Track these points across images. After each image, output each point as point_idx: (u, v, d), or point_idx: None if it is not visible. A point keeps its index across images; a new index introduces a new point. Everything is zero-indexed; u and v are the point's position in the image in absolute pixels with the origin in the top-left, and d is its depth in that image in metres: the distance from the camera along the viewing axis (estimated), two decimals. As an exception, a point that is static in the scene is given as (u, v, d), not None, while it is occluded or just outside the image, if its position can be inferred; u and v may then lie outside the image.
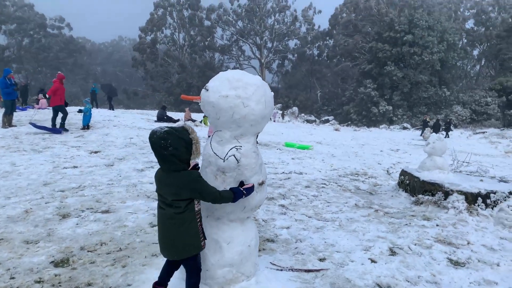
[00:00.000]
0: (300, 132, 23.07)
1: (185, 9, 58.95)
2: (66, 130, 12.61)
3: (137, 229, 4.26)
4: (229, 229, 2.88)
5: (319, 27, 57.98)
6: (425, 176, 5.64)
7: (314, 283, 3.14)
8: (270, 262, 3.43)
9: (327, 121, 39.84)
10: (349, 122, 38.23)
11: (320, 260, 3.58)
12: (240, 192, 2.60)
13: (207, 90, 2.80)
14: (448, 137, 23.97)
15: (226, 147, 2.75)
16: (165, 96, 54.84)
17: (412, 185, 5.80)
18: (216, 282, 2.84)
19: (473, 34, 47.35)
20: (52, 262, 3.39)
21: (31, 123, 12.56)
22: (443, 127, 26.79)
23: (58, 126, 12.60)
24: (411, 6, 37.92)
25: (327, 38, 56.78)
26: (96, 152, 9.48)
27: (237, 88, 2.72)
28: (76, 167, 7.65)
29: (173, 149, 2.34)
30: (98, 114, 18.51)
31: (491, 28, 45.47)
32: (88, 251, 3.65)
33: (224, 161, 2.69)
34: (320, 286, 3.10)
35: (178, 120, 20.52)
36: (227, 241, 2.84)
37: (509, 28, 38.66)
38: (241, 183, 2.73)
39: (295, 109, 41.65)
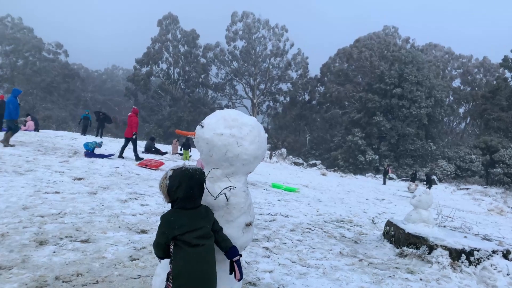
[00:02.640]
0: (287, 174, 23.12)
1: (182, 45, 60.35)
2: (122, 158, 13.98)
3: (116, 261, 4.13)
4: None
5: (308, 72, 59.78)
6: (410, 228, 5.65)
7: (294, 332, 3.05)
8: (251, 307, 3.33)
9: (314, 165, 40.08)
10: (336, 168, 38.53)
11: (302, 307, 3.50)
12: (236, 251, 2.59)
13: (203, 126, 2.84)
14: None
15: (217, 185, 2.75)
16: (154, 128, 54.91)
17: (397, 236, 5.80)
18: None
19: (460, 93, 49.25)
20: (23, 291, 3.25)
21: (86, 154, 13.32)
22: (425, 181, 27.39)
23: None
24: (401, 61, 39.47)
25: (318, 84, 58.37)
26: (80, 179, 9.30)
27: (232, 127, 2.77)
28: (58, 192, 7.47)
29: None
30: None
31: (476, 88, 47.38)
32: (63, 281, 3.51)
33: (215, 198, 2.67)
34: (300, 335, 3.00)
35: (166, 153, 20.46)
36: (209, 280, 2.77)
37: (494, 90, 40.33)
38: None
39: (283, 150, 41.96)
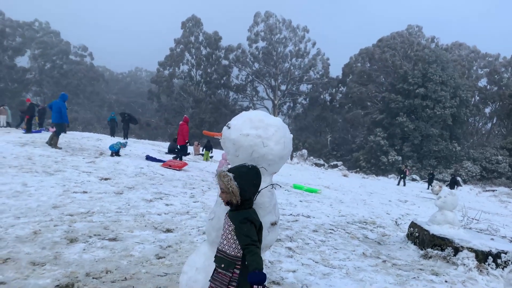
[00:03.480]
0: (308, 175, 23.04)
1: (204, 47, 60.94)
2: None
3: (143, 259, 4.25)
4: (239, 267, 2.88)
5: (329, 73, 59.41)
6: (435, 230, 5.57)
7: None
8: (275, 305, 3.38)
9: (335, 166, 39.77)
10: (358, 169, 38.11)
11: (326, 307, 3.52)
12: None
13: (229, 127, 2.91)
14: None
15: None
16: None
17: (421, 238, 5.73)
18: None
19: (486, 92, 47.89)
20: (57, 286, 3.39)
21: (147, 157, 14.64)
22: (448, 183, 26.69)
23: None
24: (425, 61, 38.73)
25: (340, 85, 57.90)
26: (106, 179, 9.56)
27: (258, 128, 2.84)
28: (86, 192, 7.70)
29: None
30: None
31: (504, 87, 46.00)
32: (93, 278, 3.64)
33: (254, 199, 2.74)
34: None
35: (188, 154, 20.72)
36: (236, 279, 2.83)
37: (521, 88, 39.13)
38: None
39: (304, 151, 41.81)
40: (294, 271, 4.34)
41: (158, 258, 4.33)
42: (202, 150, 22.92)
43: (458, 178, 28.02)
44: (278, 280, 4.05)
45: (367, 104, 47.70)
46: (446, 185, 26.62)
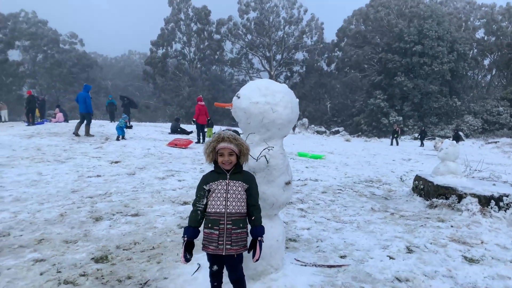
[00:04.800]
0: (311, 143, 23.28)
1: (194, 23, 60.01)
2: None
3: (166, 230, 4.53)
4: (259, 225, 3.13)
5: (324, 38, 58.64)
6: (439, 180, 5.83)
7: (336, 277, 3.36)
8: (295, 259, 3.66)
9: (337, 132, 39.95)
10: (360, 133, 38.31)
11: (341, 257, 3.81)
12: (184, 232, 2.61)
13: (239, 97, 3.10)
14: None
15: (257, 149, 3.02)
16: (176, 109, 55.54)
17: (426, 189, 5.99)
18: (248, 274, 3.08)
19: (484, 44, 47.30)
20: (92, 258, 3.67)
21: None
22: (451, 139, 26.75)
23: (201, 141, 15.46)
24: (420, 17, 38.17)
25: (336, 50, 57.25)
26: (116, 162, 9.81)
27: (266, 95, 3.02)
28: (100, 176, 7.96)
29: None
30: (114, 127, 18.93)
31: (501, 37, 45.42)
32: (123, 250, 3.92)
33: (257, 161, 2.95)
34: (342, 279, 3.31)
35: (191, 132, 20.90)
36: (258, 236, 3.09)
37: (519, 37, 38.69)
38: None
39: (305, 120, 41.89)
40: (308, 229, 4.63)
41: (180, 228, 4.61)
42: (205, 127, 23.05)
43: (460, 133, 28.17)
44: (295, 237, 4.34)
45: (364, 67, 47.34)
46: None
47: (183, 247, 2.55)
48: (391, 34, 42.05)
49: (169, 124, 25.18)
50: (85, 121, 14.42)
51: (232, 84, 64.23)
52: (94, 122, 23.63)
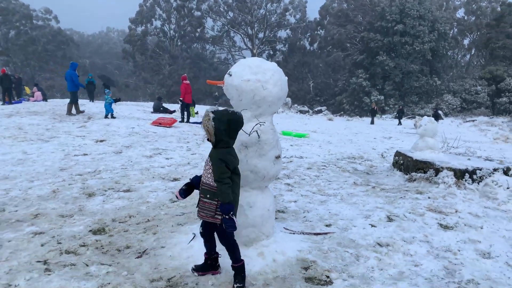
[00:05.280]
0: (294, 122, 23.56)
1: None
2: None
3: (159, 204, 4.69)
4: (251, 196, 3.33)
5: (306, 17, 58.34)
6: (417, 155, 6.14)
7: (323, 243, 3.62)
8: (284, 227, 3.89)
9: (320, 111, 40.33)
10: (342, 112, 38.77)
11: (327, 225, 4.06)
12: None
13: (231, 75, 3.23)
14: None
15: (249, 124, 3.18)
16: (157, 88, 54.83)
17: (405, 164, 6.30)
18: (241, 241, 3.29)
19: (464, 24, 47.97)
20: (90, 231, 3.82)
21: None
22: (431, 116, 27.27)
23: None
24: (402, -5, 38.39)
25: (318, 28, 57.07)
26: (101, 141, 9.82)
27: (257, 73, 3.17)
28: (86, 154, 8.00)
29: None
30: (94, 106, 18.71)
31: (481, 17, 46.10)
32: (119, 222, 4.08)
33: (249, 135, 3.11)
34: (328, 245, 3.57)
35: (174, 111, 20.83)
36: (250, 205, 3.29)
37: (499, 17, 39.33)
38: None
39: (288, 99, 42.06)
40: (295, 201, 4.87)
41: (173, 202, 4.78)
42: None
43: (440, 112, 28.82)
44: (283, 209, 4.57)
45: (346, 46, 47.45)
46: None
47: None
48: (373, 13, 42.15)
49: (150, 103, 24.98)
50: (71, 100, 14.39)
51: (214, 63, 63.57)
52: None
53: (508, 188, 5.09)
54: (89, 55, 77.42)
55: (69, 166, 6.85)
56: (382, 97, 38.03)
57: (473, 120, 29.18)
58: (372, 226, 4.02)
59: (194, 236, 3.56)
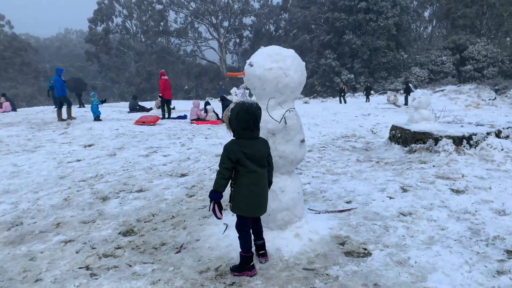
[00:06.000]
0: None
1: (133, -6, 57.17)
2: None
3: (177, 200, 4.73)
4: (281, 181, 3.43)
5: (271, 1, 58.25)
6: (415, 127, 6.40)
7: (349, 219, 3.78)
8: (308, 208, 4.03)
9: (293, 95, 40.57)
10: (315, 94, 39.20)
11: (347, 202, 4.23)
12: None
13: (252, 65, 3.29)
14: (407, 103, 24.65)
15: (275, 112, 3.26)
16: (126, 87, 53.71)
17: (403, 137, 6.55)
18: (276, 225, 3.42)
19: (423, -4, 49.20)
20: (119, 233, 3.83)
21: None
22: (402, 91, 27.77)
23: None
24: (362, -27, 38.84)
25: (282, 12, 57.08)
26: (90, 146, 9.63)
27: (278, 61, 3.24)
28: (80, 160, 7.85)
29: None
30: (75, 111, 18.16)
31: (439, -12, 47.32)
32: (145, 222, 4.10)
33: (279, 123, 3.20)
34: (355, 220, 3.73)
35: (151, 109, 20.56)
36: (282, 190, 3.40)
37: (455, -14, 40.58)
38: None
39: (261, 86, 42.09)
40: (309, 183, 5.01)
41: (190, 197, 4.82)
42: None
43: (410, 85, 29.50)
44: (300, 192, 4.70)
45: (312, 28, 47.80)
46: (401, 94, 28.14)
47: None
48: (336, -8, 42.48)
49: (123, 103, 24.48)
50: (65, 105, 14.14)
51: (180, 56, 62.67)
52: (44, 108, 22.62)
53: (502, 149, 5.41)
54: (49, 59, 74.59)
55: (68, 173, 6.72)
56: (352, 76, 38.68)
57: (442, 90, 30.12)
58: (390, 198, 4.21)
59: (227, 226, 3.64)
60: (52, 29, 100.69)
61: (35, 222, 4.28)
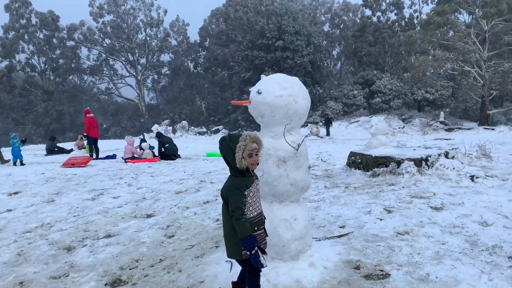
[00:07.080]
0: (201, 144, 23.47)
1: (40, 30, 53.76)
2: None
3: (158, 242, 4.29)
4: (292, 209, 3.32)
5: (188, 39, 58.91)
6: (375, 152, 6.73)
7: (351, 243, 3.75)
8: (308, 238, 3.92)
9: (218, 131, 40.85)
10: (240, 129, 39.80)
11: (341, 227, 4.22)
12: (251, 243, 2.40)
13: (260, 93, 3.21)
14: (329, 134, 25.93)
15: (288, 138, 3.18)
16: (33, 129, 49.40)
17: (364, 162, 6.84)
18: (290, 255, 3.26)
19: (331, 36, 53.72)
20: (106, 284, 3.33)
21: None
22: (323, 122, 29.22)
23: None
24: (277, 14, 41.31)
25: (200, 49, 57.93)
26: (16, 193, 8.49)
27: (287, 88, 3.22)
28: (11, 210, 6.85)
29: (224, 155, 2.53)
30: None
31: (345, 29, 52.16)
32: (130, 269, 3.63)
33: (297, 150, 3.13)
34: (358, 243, 3.72)
35: (71, 150, 19.03)
36: (294, 218, 3.28)
37: (361, 28, 45.12)
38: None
39: (184, 123, 41.72)
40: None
41: (170, 237, 4.42)
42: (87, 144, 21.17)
43: (330, 116, 31.41)
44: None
45: (231, 65, 49.12)
46: (322, 125, 29.81)
47: (259, 253, 2.45)
48: (253, 32, 44.47)
49: (32, 146, 22.43)
50: None
51: (95, 94, 59.84)
52: None
53: (454, 168, 5.91)
54: None
55: (3, 225, 5.79)
56: (274, 110, 40.10)
57: (357, 121, 32.64)
58: (381, 219, 4.30)
59: (232, 264, 3.38)
60: None
61: (-10, 285, 3.56)
